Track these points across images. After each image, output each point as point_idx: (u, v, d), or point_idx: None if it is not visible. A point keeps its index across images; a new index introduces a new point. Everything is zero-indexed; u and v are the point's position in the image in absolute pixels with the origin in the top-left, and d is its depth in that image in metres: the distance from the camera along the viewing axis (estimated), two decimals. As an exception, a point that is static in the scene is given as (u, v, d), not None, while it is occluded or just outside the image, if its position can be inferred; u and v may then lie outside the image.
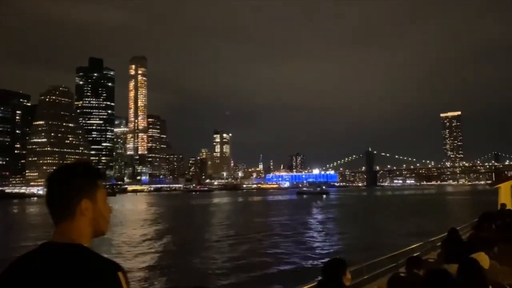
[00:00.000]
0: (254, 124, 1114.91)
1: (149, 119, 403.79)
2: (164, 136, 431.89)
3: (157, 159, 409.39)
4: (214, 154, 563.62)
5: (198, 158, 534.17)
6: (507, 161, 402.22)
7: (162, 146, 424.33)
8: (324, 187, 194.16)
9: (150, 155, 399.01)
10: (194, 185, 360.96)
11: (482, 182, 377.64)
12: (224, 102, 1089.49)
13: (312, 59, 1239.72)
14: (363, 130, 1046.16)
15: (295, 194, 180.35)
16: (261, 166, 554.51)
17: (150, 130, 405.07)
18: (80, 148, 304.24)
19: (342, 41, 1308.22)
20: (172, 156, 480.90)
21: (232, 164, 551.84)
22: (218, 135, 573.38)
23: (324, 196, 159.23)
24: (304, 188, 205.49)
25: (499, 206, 15.06)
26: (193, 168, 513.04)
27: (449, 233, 7.80)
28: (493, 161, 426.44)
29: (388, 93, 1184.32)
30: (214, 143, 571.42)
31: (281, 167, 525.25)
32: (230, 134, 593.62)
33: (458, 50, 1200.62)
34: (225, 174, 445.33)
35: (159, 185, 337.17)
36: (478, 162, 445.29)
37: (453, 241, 7.36)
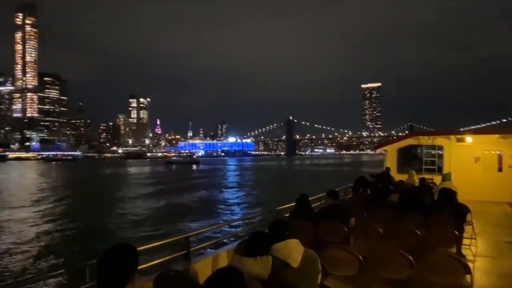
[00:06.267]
0: (183, 91, 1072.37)
1: (46, 78, 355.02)
2: (65, 98, 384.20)
3: (56, 124, 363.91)
4: (130, 120, 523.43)
5: (110, 124, 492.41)
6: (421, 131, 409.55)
7: (62, 109, 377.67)
8: (207, 154, 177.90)
9: (48, 118, 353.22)
10: (96, 154, 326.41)
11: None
12: (149, 66, 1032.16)
13: (238, 26, 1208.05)
14: (286, 98, 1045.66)
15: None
16: (190, 134, 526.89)
17: (47, 90, 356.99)
18: None
19: (270, 10, 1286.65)
20: (78, 121, 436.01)
21: (159, 132, 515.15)
22: (135, 100, 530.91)
23: (195, 166, 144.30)
24: (173, 158, 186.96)
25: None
26: (104, 134, 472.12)
27: (297, 202, 6.41)
28: (406, 132, 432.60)
29: (313, 62, 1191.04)
30: (130, 108, 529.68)
31: (211, 134, 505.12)
32: (148, 99, 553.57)
33: (381, 24, 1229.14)
34: (130, 141, 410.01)
35: (51, 153, 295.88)
36: (393, 132, 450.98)
37: (301, 211, 6.23)
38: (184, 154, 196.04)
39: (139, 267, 4.06)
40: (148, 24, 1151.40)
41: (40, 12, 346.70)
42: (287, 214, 6.91)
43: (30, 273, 15.85)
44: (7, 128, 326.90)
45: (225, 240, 6.89)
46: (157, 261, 4.94)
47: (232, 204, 37.77)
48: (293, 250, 3.27)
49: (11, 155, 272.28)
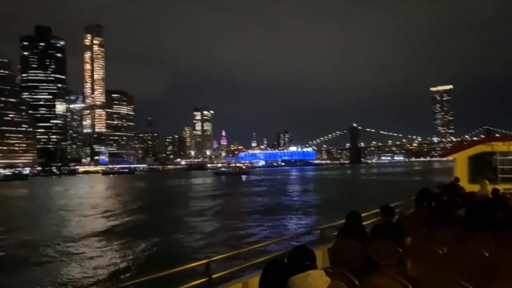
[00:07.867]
0: (248, 102, 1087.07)
1: (113, 95, 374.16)
2: (132, 113, 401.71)
3: (124, 138, 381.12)
4: (195, 132, 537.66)
5: (176, 136, 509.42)
6: (498, 135, 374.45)
7: (129, 123, 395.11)
8: (267, 164, 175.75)
9: (116, 133, 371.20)
10: (160, 166, 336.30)
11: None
12: (213, 79, 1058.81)
13: (298, 33, 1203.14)
14: (350, 105, 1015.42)
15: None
16: (254, 144, 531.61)
17: (115, 106, 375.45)
18: (24, 126, 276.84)
19: (330, 15, 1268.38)
20: (146, 135, 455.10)
21: (225, 143, 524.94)
22: (199, 113, 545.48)
23: (244, 176, 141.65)
24: (223, 169, 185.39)
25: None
26: (170, 147, 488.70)
27: (347, 218, 5.85)
28: (482, 136, 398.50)
29: (376, 66, 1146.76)
30: (195, 121, 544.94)
31: (273, 144, 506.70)
32: (212, 111, 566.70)
33: (450, 23, 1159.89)
34: (192, 153, 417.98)
35: (109, 166, 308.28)
36: (468, 137, 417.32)
37: (350, 229, 5.69)
38: (233, 166, 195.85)
39: None
40: (212, 38, 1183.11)
41: (105, 32, 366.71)
42: (335, 233, 6.21)
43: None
44: (78, 143, 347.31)
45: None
46: None
47: (271, 220, 33.59)
48: (314, 284, 2.73)
49: (81, 169, 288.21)
